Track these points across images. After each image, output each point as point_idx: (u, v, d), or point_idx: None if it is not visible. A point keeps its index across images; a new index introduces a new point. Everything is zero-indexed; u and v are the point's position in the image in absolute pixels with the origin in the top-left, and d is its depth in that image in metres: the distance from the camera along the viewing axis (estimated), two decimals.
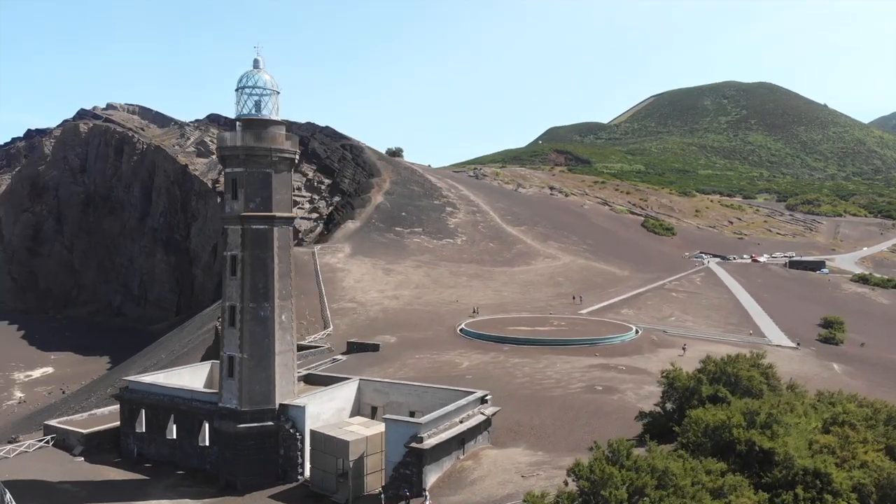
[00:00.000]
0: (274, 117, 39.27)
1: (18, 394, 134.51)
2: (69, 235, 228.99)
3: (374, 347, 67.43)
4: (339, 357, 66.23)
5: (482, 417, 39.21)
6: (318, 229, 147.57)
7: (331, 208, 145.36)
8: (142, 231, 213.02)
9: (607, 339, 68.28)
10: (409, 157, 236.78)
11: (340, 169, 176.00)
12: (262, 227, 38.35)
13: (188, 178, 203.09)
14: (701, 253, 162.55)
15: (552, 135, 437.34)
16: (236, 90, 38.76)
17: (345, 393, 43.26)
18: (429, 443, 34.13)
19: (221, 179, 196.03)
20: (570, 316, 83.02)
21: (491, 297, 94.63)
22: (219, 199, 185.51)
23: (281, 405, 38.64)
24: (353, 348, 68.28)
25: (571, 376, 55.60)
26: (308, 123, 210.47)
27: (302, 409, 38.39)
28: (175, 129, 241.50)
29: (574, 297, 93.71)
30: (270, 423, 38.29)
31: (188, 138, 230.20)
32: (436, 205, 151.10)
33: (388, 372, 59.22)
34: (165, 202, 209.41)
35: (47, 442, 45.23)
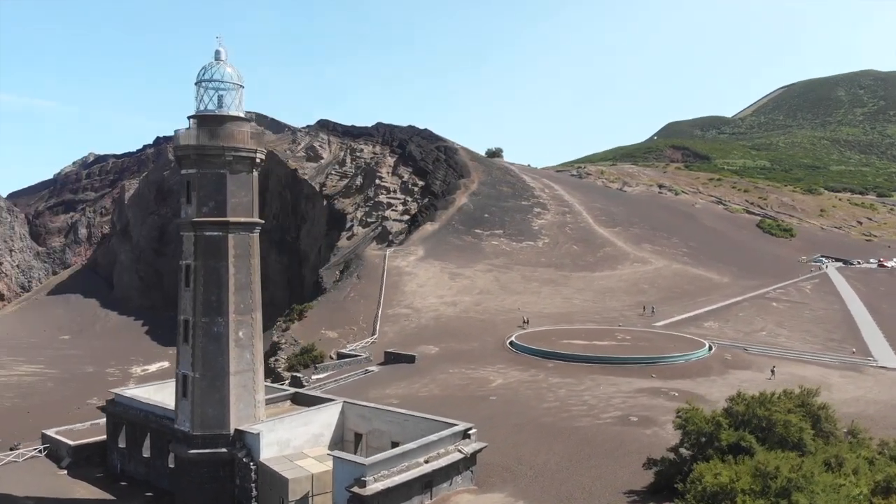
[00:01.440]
0: (235, 113, 35.65)
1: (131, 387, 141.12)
2: None
3: (410, 359, 63.10)
4: (371, 368, 62.47)
5: (459, 456, 33.72)
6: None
7: (396, 211, 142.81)
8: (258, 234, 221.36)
9: (669, 358, 60.23)
10: (511, 157, 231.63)
11: (433, 171, 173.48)
12: (215, 233, 34.78)
13: (298, 182, 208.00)
14: (821, 257, 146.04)
15: (670, 130, 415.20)
16: (196, 84, 35.40)
17: (324, 417, 39.04)
18: (373, 488, 29.17)
19: (328, 183, 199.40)
20: (640, 329, 74.88)
21: (559, 304, 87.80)
22: (324, 202, 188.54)
23: (237, 430, 34.93)
24: (390, 359, 64.33)
25: (610, 402, 48.68)
26: (409, 127, 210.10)
27: (256, 436, 34.49)
28: (288, 135, 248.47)
29: (644, 308, 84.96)
30: (224, 449, 34.68)
31: (299, 143, 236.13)
32: (523, 205, 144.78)
33: (412, 387, 54.74)
34: (278, 205, 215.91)
35: (40, 451, 44.17)
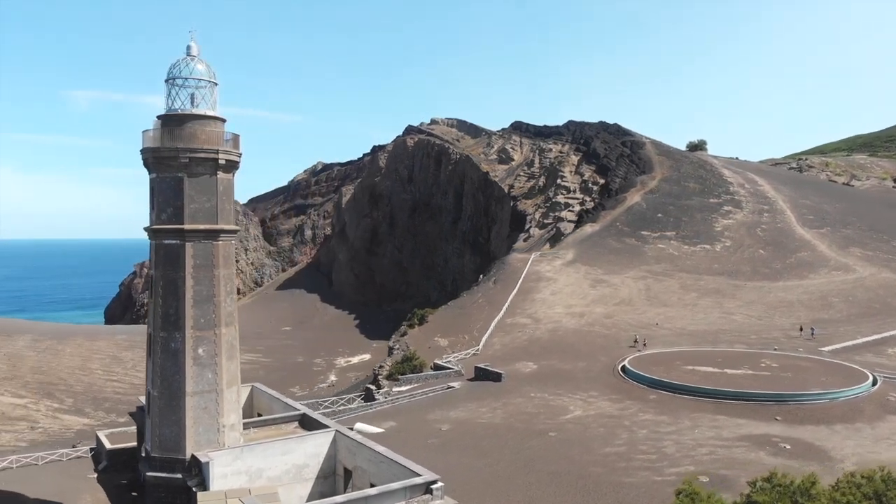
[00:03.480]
0: (202, 112, 32.84)
1: (332, 378, 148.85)
2: (399, 238, 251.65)
3: (497, 377, 56.92)
4: (454, 384, 57.36)
5: None
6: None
7: (573, 212, 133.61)
8: (454, 234, 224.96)
9: (808, 396, 47.60)
10: (717, 150, 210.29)
11: (615, 167, 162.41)
12: (172, 242, 32.16)
13: (489, 185, 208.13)
14: None
15: None
16: (165, 81, 33.12)
17: (309, 447, 34.89)
18: None
19: (516, 184, 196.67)
20: (797, 354, 61.00)
21: (712, 320, 75.19)
22: (512, 203, 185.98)
23: (193, 456, 32.10)
24: (479, 374, 58.69)
25: (691, 452, 38.93)
26: (599, 123, 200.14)
27: (206, 464, 31.32)
28: (484, 139, 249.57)
29: (801, 329, 69.28)
30: (179, 475, 32.01)
31: (492, 146, 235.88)
32: (710, 203, 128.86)
33: (478, 410, 48.84)
34: (472, 207, 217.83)
35: (90, 451, 45.31)
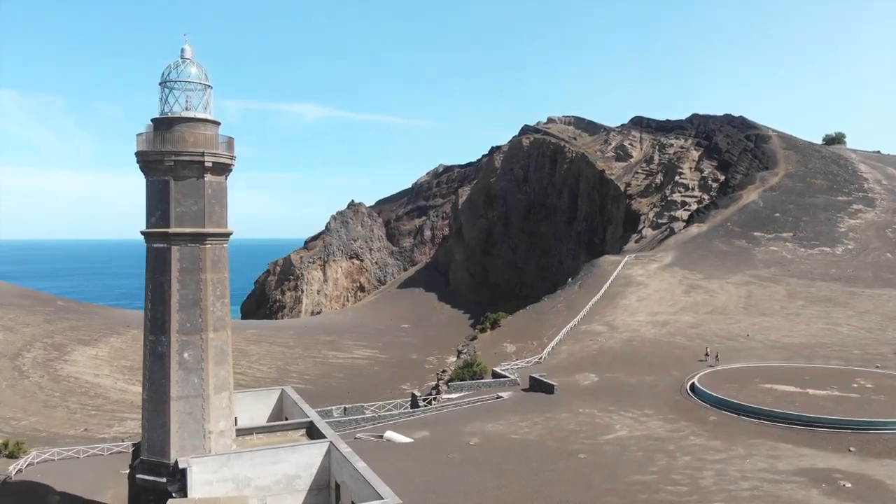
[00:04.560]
0: (193, 115, 32.63)
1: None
2: (514, 238, 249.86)
3: (549, 389, 53.65)
4: (503, 394, 54.77)
5: None
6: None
7: (689, 211, 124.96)
8: (569, 235, 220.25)
9: (891, 426, 40.88)
10: (863, 144, 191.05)
11: (736, 163, 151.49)
12: (160, 245, 32.18)
13: (605, 183, 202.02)
14: None
15: None
16: (159, 84, 33.27)
17: (301, 457, 33.82)
18: None
19: (633, 182, 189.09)
20: None
21: (813, 332, 67.22)
22: (628, 202, 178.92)
23: (177, 461, 31.95)
24: (533, 385, 55.66)
25: (732, 486, 34.31)
26: (724, 115, 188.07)
27: (184, 471, 31.00)
28: (601, 136, 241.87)
29: None
30: (164, 479, 31.98)
31: (610, 143, 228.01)
32: (837, 202, 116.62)
33: (518, 424, 46.12)
34: (587, 207, 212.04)
35: (130, 447, 46.88)
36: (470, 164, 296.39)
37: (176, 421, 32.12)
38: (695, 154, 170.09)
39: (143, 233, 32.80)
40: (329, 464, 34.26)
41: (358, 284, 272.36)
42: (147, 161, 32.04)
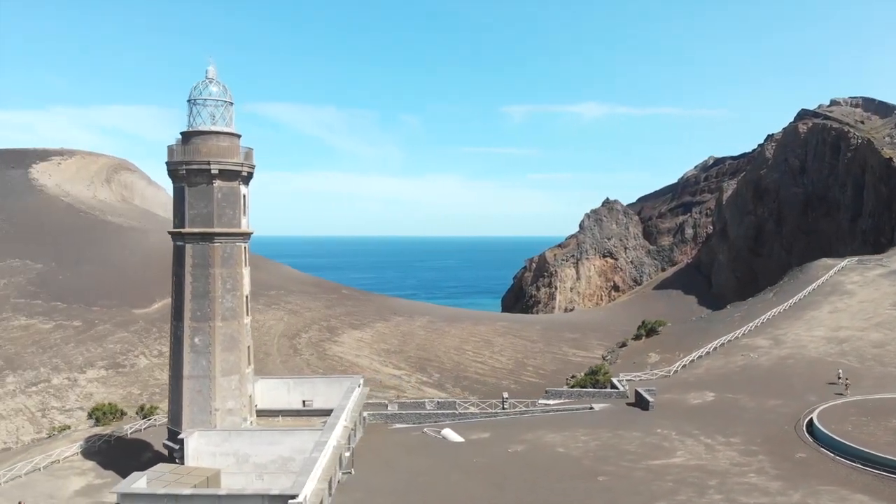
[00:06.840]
0: (210, 128, 36.89)
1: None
2: (788, 237, 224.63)
3: (645, 405, 48.94)
4: (596, 406, 51.41)
5: None
6: None
7: None
8: (853, 234, 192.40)
9: None
10: None
11: None
12: (179, 243, 37.02)
13: (893, 174, 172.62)
14: None
15: None
16: (188, 101, 38.04)
17: (295, 442, 36.11)
18: None
19: None
20: None
21: None
22: None
23: (186, 432, 36.41)
24: (637, 400, 51.19)
25: None
26: None
27: (182, 441, 35.22)
28: (894, 119, 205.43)
29: None
30: (177, 447, 36.66)
31: None
32: None
33: (579, 438, 43.59)
34: (873, 201, 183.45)
35: None
36: (743, 155, 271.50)
37: (188, 397, 36.63)
38: None
39: (169, 232, 37.84)
40: None
41: (612, 283, 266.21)
42: (169, 170, 36.97)
